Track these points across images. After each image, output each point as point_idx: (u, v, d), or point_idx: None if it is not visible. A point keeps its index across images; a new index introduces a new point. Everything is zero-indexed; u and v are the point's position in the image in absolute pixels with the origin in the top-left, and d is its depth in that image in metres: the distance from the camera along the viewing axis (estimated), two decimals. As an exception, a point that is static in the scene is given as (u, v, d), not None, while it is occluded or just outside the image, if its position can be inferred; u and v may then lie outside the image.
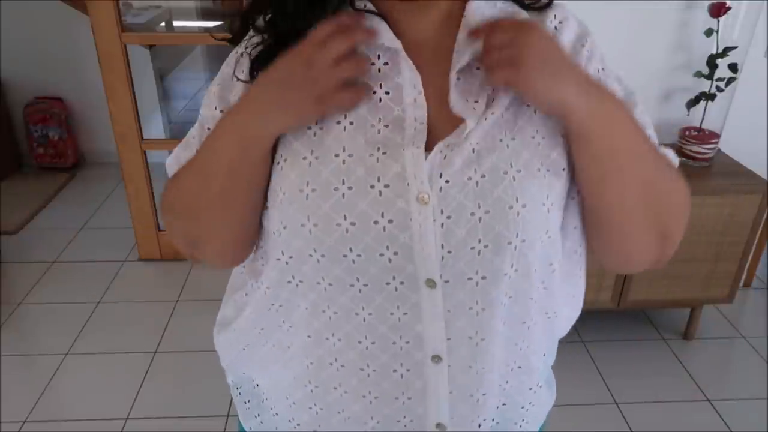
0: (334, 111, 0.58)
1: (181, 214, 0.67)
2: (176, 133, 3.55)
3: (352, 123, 0.58)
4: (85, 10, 2.41)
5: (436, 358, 0.64)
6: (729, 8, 1.92)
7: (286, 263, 0.63)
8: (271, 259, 0.65)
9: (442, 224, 0.57)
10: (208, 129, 0.64)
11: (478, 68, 0.59)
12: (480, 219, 0.57)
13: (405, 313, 0.62)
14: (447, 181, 0.57)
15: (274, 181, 0.61)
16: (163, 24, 3.51)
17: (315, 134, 0.59)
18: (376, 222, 0.57)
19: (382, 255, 0.58)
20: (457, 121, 0.58)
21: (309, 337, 0.67)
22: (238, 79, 0.62)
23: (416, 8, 0.60)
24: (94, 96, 3.26)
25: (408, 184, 0.56)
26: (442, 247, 0.58)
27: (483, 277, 0.60)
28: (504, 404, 0.72)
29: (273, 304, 0.68)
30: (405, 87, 0.59)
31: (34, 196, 3.21)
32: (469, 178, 0.57)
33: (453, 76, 0.58)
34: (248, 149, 0.58)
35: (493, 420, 0.72)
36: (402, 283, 0.60)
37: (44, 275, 2.60)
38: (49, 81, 3.42)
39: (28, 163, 3.54)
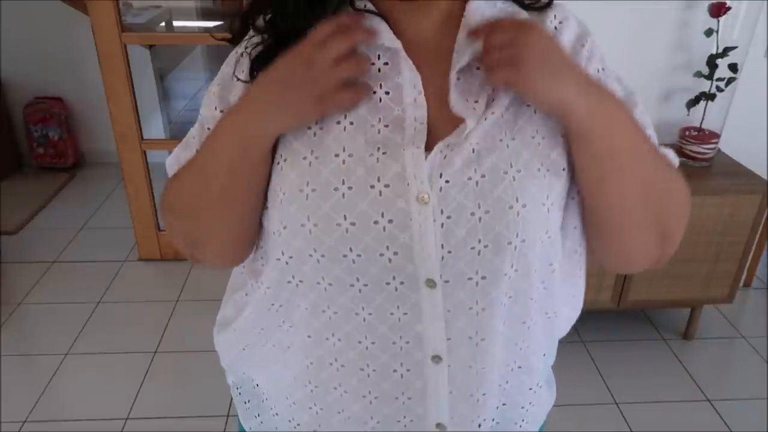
0: (334, 111, 0.58)
1: (181, 214, 0.67)
2: (176, 133, 3.55)
3: (352, 123, 0.58)
4: (85, 10, 2.41)
5: (436, 358, 0.64)
6: (729, 8, 1.92)
7: (286, 263, 0.63)
8: (271, 259, 0.65)
9: (442, 224, 0.57)
10: (208, 129, 0.64)
11: (478, 68, 0.59)
12: (480, 219, 0.57)
13: (405, 313, 0.61)
14: (447, 181, 0.57)
15: (274, 181, 0.61)
16: (163, 24, 3.51)
17: (315, 134, 0.59)
18: (376, 222, 0.57)
19: (382, 255, 0.58)
20: (457, 121, 0.58)
21: (309, 337, 0.67)
22: (238, 79, 0.62)
23: (416, 8, 0.60)
24: (94, 96, 3.26)
25: (408, 184, 0.57)
26: (442, 247, 0.58)
27: (483, 277, 0.60)
28: (504, 404, 0.72)
29: (273, 304, 0.68)
30: (405, 87, 0.59)
31: (34, 196, 3.21)
32: (469, 178, 0.57)
33: (453, 76, 0.58)
34: (248, 149, 0.58)
35: (493, 420, 0.72)
36: (402, 283, 0.60)
37: (44, 275, 2.60)
38: (49, 81, 3.42)
39: (28, 163, 3.54)
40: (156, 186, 2.64)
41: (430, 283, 0.60)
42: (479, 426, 0.71)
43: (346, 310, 0.63)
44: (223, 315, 0.77)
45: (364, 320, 0.63)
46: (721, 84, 2.01)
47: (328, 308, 0.63)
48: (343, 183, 0.57)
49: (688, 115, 2.11)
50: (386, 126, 0.58)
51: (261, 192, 0.62)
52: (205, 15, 4.09)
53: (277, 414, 0.76)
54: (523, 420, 0.75)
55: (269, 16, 0.61)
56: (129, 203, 2.65)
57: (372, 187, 0.57)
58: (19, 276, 2.59)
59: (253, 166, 0.60)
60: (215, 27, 3.51)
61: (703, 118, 2.08)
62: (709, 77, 2.01)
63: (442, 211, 0.57)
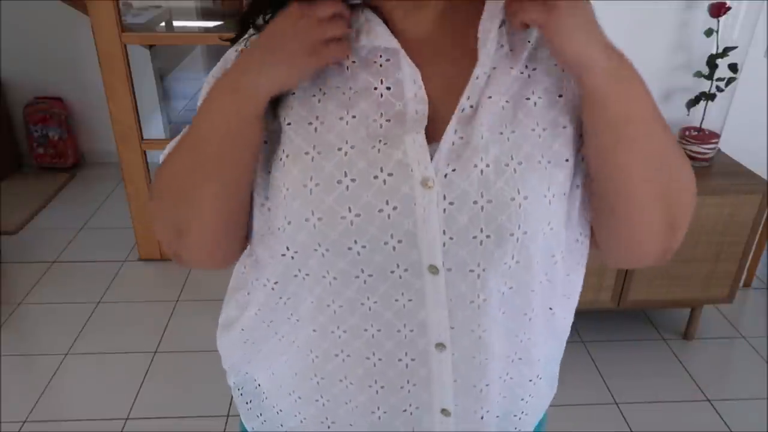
0: (324, 63, 0.58)
1: (169, 197, 0.66)
2: (176, 133, 3.50)
3: (354, 117, 0.59)
4: (85, 10, 2.42)
5: (440, 346, 0.64)
6: (729, 8, 1.92)
7: (292, 258, 0.63)
8: (276, 255, 0.65)
9: (445, 209, 0.58)
10: None
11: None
12: (482, 208, 0.58)
13: (410, 300, 0.62)
14: (454, 170, 0.57)
15: (276, 177, 0.61)
16: (163, 24, 3.51)
17: (316, 129, 0.59)
18: (380, 210, 0.57)
19: (386, 243, 0.59)
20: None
21: (314, 331, 0.67)
22: None
23: (412, 7, 0.60)
24: (94, 96, 3.27)
25: (411, 169, 0.57)
26: (444, 233, 0.58)
27: (484, 269, 0.60)
28: (504, 397, 0.73)
29: (281, 298, 0.68)
30: (405, 82, 0.59)
31: (34, 196, 3.21)
32: (475, 166, 0.57)
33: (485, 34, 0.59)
34: (242, 107, 0.58)
35: (496, 416, 0.73)
36: (406, 270, 0.60)
37: (44, 275, 2.60)
38: (49, 81, 3.42)
39: (28, 163, 3.54)
40: (156, 186, 2.64)
41: (433, 269, 0.60)
42: (482, 418, 0.71)
43: (351, 302, 0.63)
44: (226, 316, 0.77)
45: (370, 309, 0.63)
46: (721, 84, 2.01)
47: (333, 302, 0.64)
48: (346, 175, 0.57)
49: (688, 115, 2.11)
50: (388, 120, 0.59)
51: (251, 168, 0.62)
52: (205, 15, 4.09)
53: (281, 411, 0.77)
54: (522, 412, 0.75)
55: (269, 16, 0.61)
56: (129, 203, 2.66)
57: (375, 177, 0.57)
58: (19, 276, 2.59)
59: (247, 127, 0.59)
60: (215, 27, 3.51)
61: (703, 118, 2.08)
62: (709, 77, 2.01)
63: (445, 197, 0.57)
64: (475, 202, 0.58)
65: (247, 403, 0.80)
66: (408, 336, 0.64)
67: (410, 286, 0.61)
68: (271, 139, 0.63)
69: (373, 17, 0.59)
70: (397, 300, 0.62)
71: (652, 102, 0.59)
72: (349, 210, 0.58)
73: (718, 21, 1.95)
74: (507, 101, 0.59)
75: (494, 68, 0.59)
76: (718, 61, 1.98)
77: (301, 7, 0.55)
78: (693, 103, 2.07)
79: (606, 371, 2.11)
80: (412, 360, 0.65)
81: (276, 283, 0.67)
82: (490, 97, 0.59)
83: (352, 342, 0.66)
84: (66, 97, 3.46)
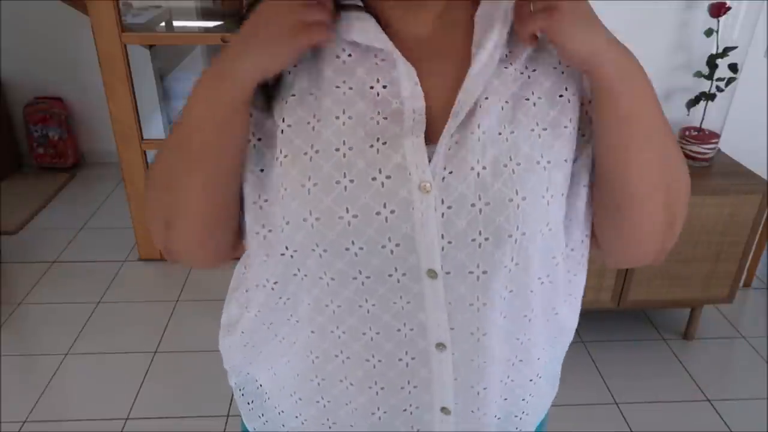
0: (305, 45, 0.57)
1: (159, 186, 0.65)
2: (176, 134, 3.53)
3: (350, 117, 0.59)
4: (85, 10, 2.41)
5: (440, 346, 0.64)
6: (729, 8, 1.92)
7: (291, 257, 0.63)
8: (275, 255, 0.65)
9: (443, 214, 0.58)
10: None
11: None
12: (480, 210, 0.58)
13: (408, 302, 0.62)
14: (450, 172, 0.57)
15: (274, 177, 0.61)
16: (163, 24, 3.50)
17: (314, 128, 0.59)
18: (378, 213, 0.57)
19: (384, 247, 0.58)
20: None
21: (313, 332, 0.67)
22: None
23: (409, 7, 0.60)
24: (94, 96, 3.27)
25: (410, 173, 0.57)
26: (443, 237, 0.58)
27: (484, 272, 0.60)
28: (505, 399, 0.73)
29: (280, 298, 0.68)
30: (402, 80, 0.59)
31: (34, 196, 3.21)
32: (472, 169, 0.57)
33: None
34: (227, 94, 0.57)
35: (495, 416, 0.73)
36: (404, 274, 0.60)
37: (44, 275, 2.60)
38: (49, 81, 3.42)
39: (28, 163, 3.54)
40: (156, 186, 2.64)
41: (431, 274, 0.60)
42: (480, 419, 0.71)
43: (349, 303, 0.63)
44: (227, 316, 0.77)
45: (368, 312, 0.63)
46: (721, 84, 2.01)
47: (332, 303, 0.64)
48: (345, 176, 0.57)
49: (688, 115, 2.11)
50: (385, 119, 0.59)
51: (238, 160, 0.62)
52: (205, 15, 4.08)
53: (282, 411, 0.77)
54: (523, 412, 0.75)
55: None
56: (129, 203, 2.66)
57: (374, 179, 0.57)
58: (19, 276, 2.59)
59: (233, 115, 0.58)
60: (215, 27, 3.51)
61: (703, 118, 2.08)
62: (709, 77, 2.01)
63: (442, 201, 0.57)
64: (473, 205, 0.57)
65: (248, 403, 0.80)
66: (408, 335, 0.64)
67: (408, 290, 0.61)
68: (265, 137, 0.62)
69: (367, 17, 0.59)
70: (395, 303, 0.62)
71: (654, 95, 0.60)
72: (347, 211, 0.57)
73: (718, 21, 1.95)
74: (506, 102, 0.59)
75: (492, 70, 0.59)
76: (718, 61, 1.98)
77: None
78: (693, 103, 2.07)
79: (606, 371, 2.11)
80: (413, 359, 0.65)
81: (276, 283, 0.67)
82: (487, 98, 0.58)
83: (352, 343, 0.66)
84: (66, 97, 3.46)
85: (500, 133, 0.59)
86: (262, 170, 0.63)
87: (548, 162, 0.60)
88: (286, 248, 0.63)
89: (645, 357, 2.20)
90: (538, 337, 0.70)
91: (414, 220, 0.57)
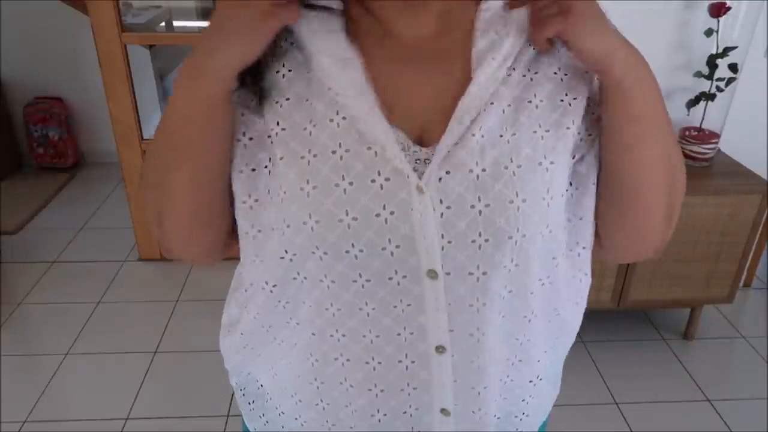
0: (276, 27, 0.56)
1: (149, 183, 0.65)
2: (176, 133, 3.53)
3: (344, 118, 0.58)
4: (85, 10, 2.41)
5: (440, 348, 0.64)
6: (729, 8, 1.92)
7: (291, 260, 0.63)
8: (274, 258, 0.65)
9: (442, 214, 0.58)
10: None
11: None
12: (480, 212, 0.58)
13: (408, 305, 0.62)
14: (447, 172, 0.57)
15: (271, 180, 0.61)
16: (163, 24, 3.50)
17: (310, 133, 0.59)
18: (377, 215, 0.57)
19: (384, 249, 0.58)
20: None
21: (313, 334, 0.67)
22: None
23: (408, 8, 0.60)
24: (94, 96, 3.27)
25: (408, 176, 0.57)
26: (443, 237, 0.58)
27: (484, 273, 0.60)
28: (505, 398, 0.73)
29: (279, 301, 0.68)
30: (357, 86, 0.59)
31: (34, 196, 3.21)
32: (471, 171, 0.57)
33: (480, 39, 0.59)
34: (205, 90, 0.57)
35: (495, 416, 0.73)
36: (404, 276, 0.60)
37: (44, 275, 2.60)
38: (49, 81, 3.42)
39: (28, 163, 3.54)
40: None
41: (432, 274, 0.60)
42: (480, 419, 0.71)
43: (349, 306, 0.63)
44: (228, 316, 0.77)
45: (368, 315, 0.63)
46: (721, 84, 2.01)
47: (332, 305, 0.63)
48: (343, 179, 0.57)
49: (688, 115, 2.11)
50: None
51: (222, 158, 0.61)
52: (205, 15, 4.08)
53: (283, 413, 0.77)
54: (523, 413, 0.75)
55: None
56: (129, 203, 2.66)
57: (373, 181, 0.57)
58: (19, 276, 2.59)
59: (213, 110, 0.58)
60: (215, 27, 3.50)
61: (703, 118, 2.08)
62: (709, 77, 2.01)
63: (441, 201, 0.57)
64: (472, 207, 0.57)
65: (249, 403, 0.80)
66: (408, 339, 0.64)
67: (409, 292, 0.61)
68: (256, 137, 0.62)
69: (336, 27, 0.59)
70: (395, 306, 0.62)
71: (662, 95, 0.61)
72: (347, 213, 0.57)
73: (718, 21, 1.95)
74: (509, 105, 0.59)
75: (500, 80, 0.59)
76: (718, 61, 1.98)
77: None
78: (693, 103, 2.07)
79: (606, 371, 2.11)
80: (412, 362, 0.65)
81: (275, 285, 0.67)
82: (492, 103, 0.58)
83: (351, 346, 0.65)
84: (66, 97, 3.46)
85: (501, 136, 0.59)
86: (253, 170, 0.62)
87: (551, 163, 0.60)
88: (286, 252, 0.62)
89: (645, 357, 2.20)
90: (538, 338, 0.70)
91: (413, 221, 0.57)
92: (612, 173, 0.63)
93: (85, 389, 2.01)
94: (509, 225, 0.58)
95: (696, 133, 2.08)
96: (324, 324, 0.65)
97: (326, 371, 0.69)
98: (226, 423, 1.88)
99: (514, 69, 0.60)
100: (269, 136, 0.60)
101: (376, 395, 0.68)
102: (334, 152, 0.58)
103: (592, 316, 2.28)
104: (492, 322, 0.64)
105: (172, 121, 0.60)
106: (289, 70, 0.61)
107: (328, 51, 0.58)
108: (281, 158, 0.60)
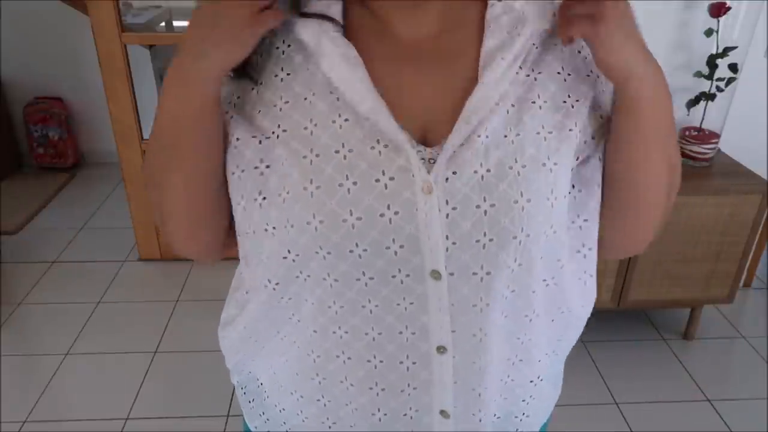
0: (262, 30, 0.57)
1: (150, 183, 0.66)
2: (176, 133, 3.53)
3: (347, 120, 0.58)
4: (85, 10, 2.41)
5: (442, 349, 0.64)
6: (729, 8, 1.92)
7: (293, 260, 0.63)
8: (276, 258, 0.65)
9: (447, 215, 0.57)
10: None
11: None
12: (485, 212, 0.57)
13: (411, 303, 0.62)
14: (454, 173, 0.57)
15: (273, 180, 0.61)
16: (163, 24, 3.50)
17: (312, 133, 0.59)
18: (382, 215, 0.57)
19: (388, 248, 0.58)
20: (457, 118, 0.58)
21: (315, 332, 0.67)
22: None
23: (409, 7, 0.60)
24: (94, 96, 3.27)
25: (413, 175, 0.57)
26: (447, 238, 0.58)
27: (488, 273, 0.60)
28: (505, 398, 0.73)
29: (282, 298, 0.67)
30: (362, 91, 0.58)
31: (34, 196, 3.21)
32: (475, 172, 0.57)
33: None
34: (191, 93, 0.57)
35: (494, 416, 0.73)
36: (408, 275, 0.60)
37: (44, 275, 2.60)
38: (49, 81, 3.42)
39: (28, 163, 3.54)
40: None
41: (435, 275, 0.60)
42: (480, 420, 0.71)
43: (352, 304, 0.63)
44: (227, 314, 0.77)
45: (371, 312, 0.63)
46: (721, 84, 2.01)
47: (334, 303, 0.63)
48: (347, 178, 0.57)
49: (688, 115, 2.11)
50: None
51: (215, 160, 0.62)
52: (205, 15, 4.08)
53: (284, 409, 0.77)
54: (524, 414, 0.75)
55: None
56: (129, 203, 2.66)
57: (377, 180, 0.57)
58: (19, 276, 2.59)
59: (202, 113, 0.58)
60: (215, 27, 3.50)
61: (703, 118, 2.08)
62: (709, 77, 2.01)
63: (447, 202, 0.57)
64: (477, 207, 0.57)
65: (250, 401, 0.81)
66: (410, 339, 0.64)
67: (412, 291, 0.61)
68: (243, 139, 0.62)
69: (336, 24, 0.59)
70: (398, 304, 0.62)
71: (671, 106, 0.62)
72: (351, 213, 0.57)
73: (718, 21, 1.95)
74: (512, 105, 0.59)
75: (510, 80, 0.59)
76: (718, 61, 1.98)
77: None
78: (693, 103, 2.07)
79: (606, 371, 2.11)
80: (414, 363, 0.65)
81: (277, 284, 0.67)
82: (498, 104, 0.58)
83: (353, 343, 0.66)
84: (66, 97, 3.46)
85: (506, 136, 0.58)
86: (243, 171, 0.62)
87: (555, 164, 0.60)
88: (289, 252, 0.62)
89: (645, 357, 2.20)
90: (540, 337, 0.70)
91: (418, 221, 0.57)
92: (615, 176, 0.64)
93: (85, 389, 2.01)
94: (514, 225, 0.58)
95: (696, 133, 2.08)
96: (326, 321, 0.65)
97: (328, 368, 0.69)
98: (226, 423, 1.88)
99: (520, 68, 0.59)
100: (268, 138, 0.60)
101: (377, 394, 0.68)
102: (337, 152, 0.58)
103: (592, 316, 2.27)
104: (494, 322, 0.64)
105: (162, 122, 0.61)
106: (288, 74, 0.61)
107: (330, 52, 0.58)
108: (284, 159, 0.60)
